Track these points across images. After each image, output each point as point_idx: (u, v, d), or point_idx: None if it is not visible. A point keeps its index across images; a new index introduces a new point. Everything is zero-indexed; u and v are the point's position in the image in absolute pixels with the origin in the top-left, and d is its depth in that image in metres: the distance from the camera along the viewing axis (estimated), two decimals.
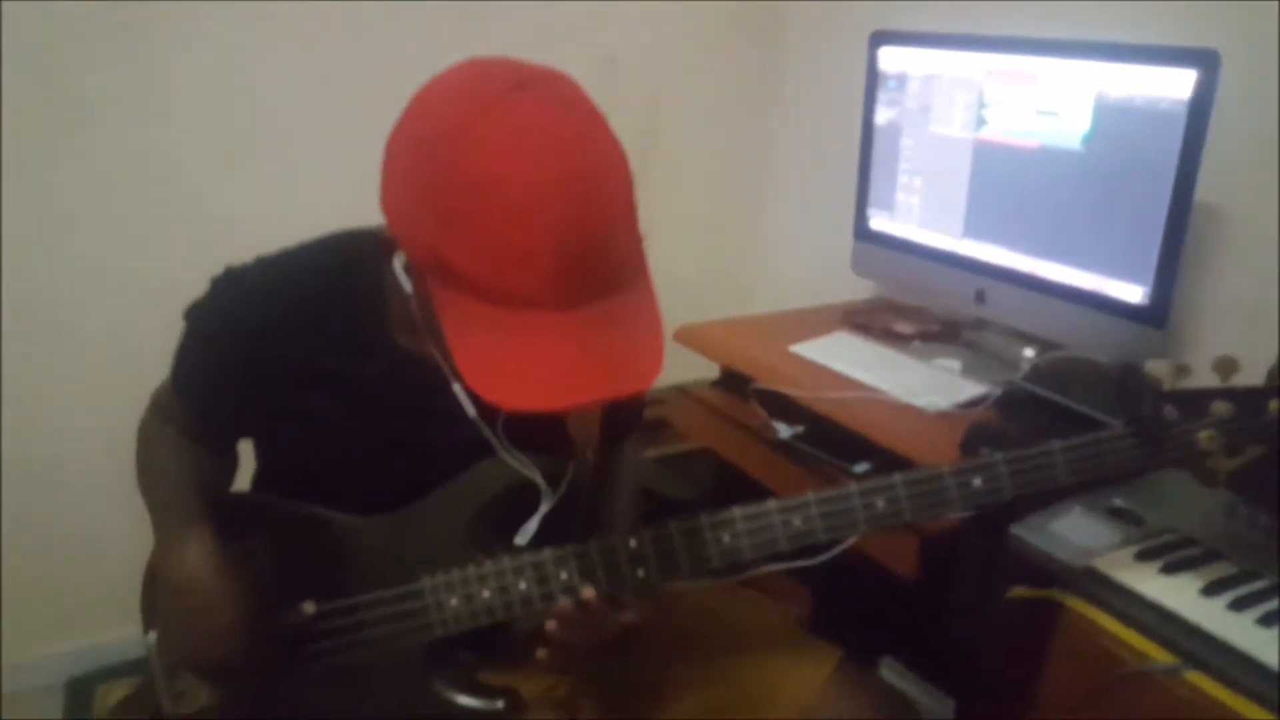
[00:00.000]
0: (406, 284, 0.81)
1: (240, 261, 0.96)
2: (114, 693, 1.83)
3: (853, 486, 0.89)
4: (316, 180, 1.77)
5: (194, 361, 0.98)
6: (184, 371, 0.99)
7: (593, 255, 0.74)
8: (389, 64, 1.77)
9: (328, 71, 1.76)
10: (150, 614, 1.04)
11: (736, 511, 0.90)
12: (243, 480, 1.08)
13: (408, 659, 0.95)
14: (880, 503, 0.89)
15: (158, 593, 0.99)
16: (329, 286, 0.93)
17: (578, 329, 0.74)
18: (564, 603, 0.89)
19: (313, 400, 0.93)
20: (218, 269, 0.96)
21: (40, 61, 1.55)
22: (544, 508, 0.94)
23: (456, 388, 0.88)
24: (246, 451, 1.05)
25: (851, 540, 1.22)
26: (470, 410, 0.89)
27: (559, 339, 0.73)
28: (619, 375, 0.74)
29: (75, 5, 1.55)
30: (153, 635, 1.01)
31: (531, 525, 0.94)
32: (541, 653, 0.92)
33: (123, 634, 1.84)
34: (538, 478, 0.93)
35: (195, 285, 0.96)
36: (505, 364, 0.72)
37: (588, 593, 0.88)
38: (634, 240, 0.78)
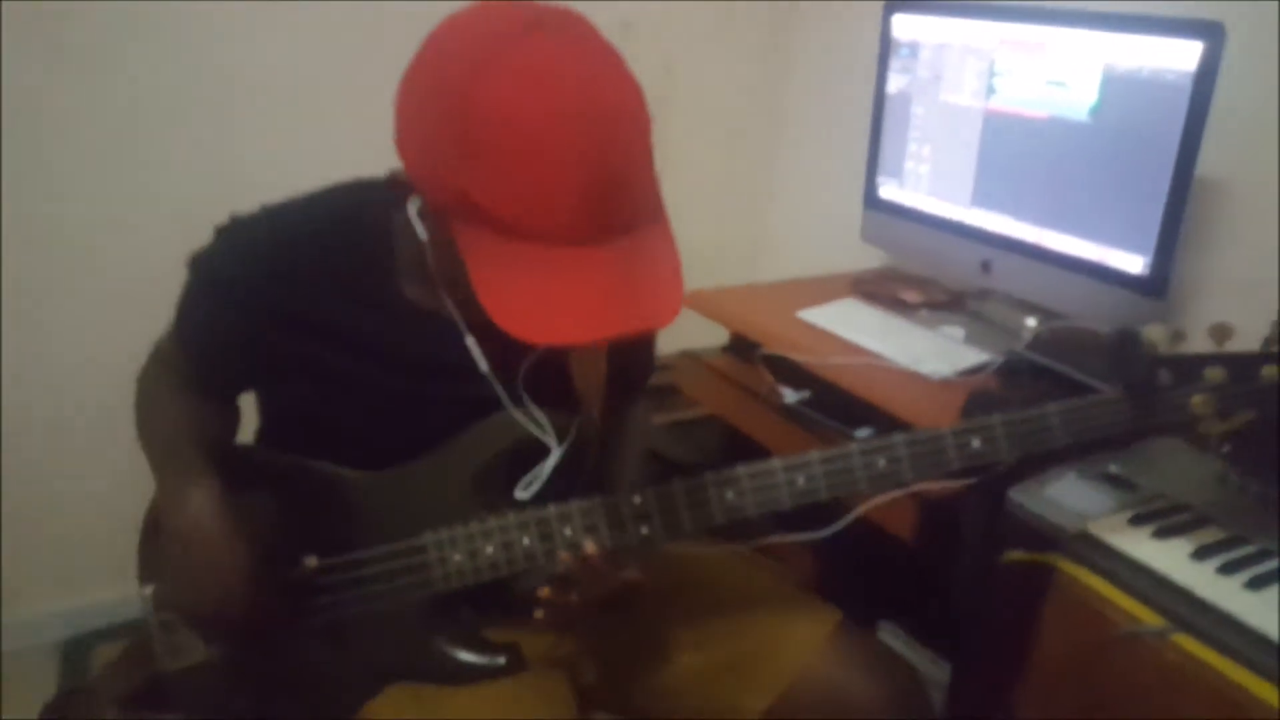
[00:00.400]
0: (421, 230, 0.81)
1: (245, 210, 0.94)
2: (112, 654, 1.84)
3: (854, 446, 0.91)
4: (312, 159, 1.77)
5: (198, 310, 0.96)
6: (187, 321, 0.98)
7: (614, 189, 0.74)
8: (384, 44, 1.78)
9: (323, 46, 1.76)
10: (147, 566, 1.03)
11: (741, 469, 0.91)
12: (245, 434, 1.07)
13: (409, 614, 0.95)
14: (881, 461, 0.91)
15: (161, 542, 0.98)
16: (336, 236, 0.91)
17: (602, 263, 0.74)
18: (565, 555, 0.89)
19: (318, 351, 0.92)
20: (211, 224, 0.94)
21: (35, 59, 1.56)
22: (551, 460, 0.93)
23: (470, 341, 0.88)
24: (248, 406, 1.04)
25: (858, 512, 1.24)
26: (483, 365, 0.89)
27: (584, 273, 0.74)
28: (643, 310, 0.75)
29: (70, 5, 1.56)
30: (149, 588, 1.00)
31: (536, 478, 0.93)
32: (539, 613, 0.92)
33: (120, 594, 1.83)
34: (549, 432, 0.93)
35: (196, 238, 0.94)
36: (531, 299, 0.73)
37: (590, 547, 0.89)
38: (652, 178, 0.79)
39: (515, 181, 0.72)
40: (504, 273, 0.74)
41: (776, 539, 1.25)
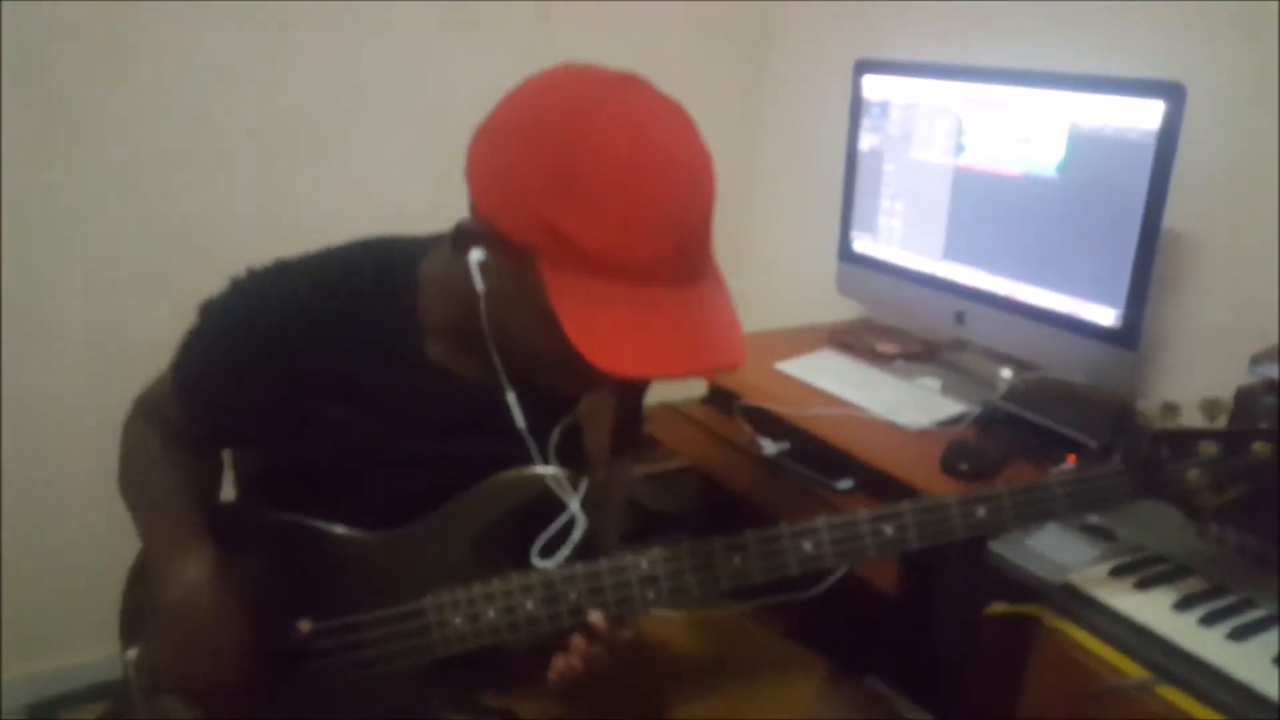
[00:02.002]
0: (479, 281, 0.81)
1: (261, 263, 0.94)
2: (82, 717, 1.78)
3: (862, 512, 0.91)
4: (311, 182, 1.80)
5: (202, 361, 0.94)
6: (191, 370, 0.95)
7: (702, 234, 0.79)
8: (393, 64, 1.82)
9: (328, 73, 1.79)
10: (130, 628, 1.00)
11: (750, 535, 0.90)
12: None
13: (405, 678, 0.93)
14: (889, 529, 0.91)
15: (147, 607, 0.95)
16: (356, 293, 0.90)
17: (685, 303, 0.78)
18: (579, 640, 0.89)
19: (332, 409, 0.90)
20: (210, 273, 0.93)
21: (32, 66, 1.56)
22: (578, 533, 0.92)
23: (511, 397, 0.88)
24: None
25: (842, 571, 1.24)
26: (520, 421, 0.89)
27: (670, 311, 0.76)
28: (724, 347, 0.78)
29: (68, 7, 1.56)
30: (132, 652, 0.96)
31: (562, 544, 0.92)
32: (553, 673, 0.91)
33: (89, 658, 1.80)
34: (574, 498, 0.92)
35: (189, 286, 0.94)
36: (620, 334, 0.74)
37: (595, 617, 0.88)
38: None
39: (616, 218, 0.74)
40: (591, 309, 0.75)
41: (766, 601, 1.23)
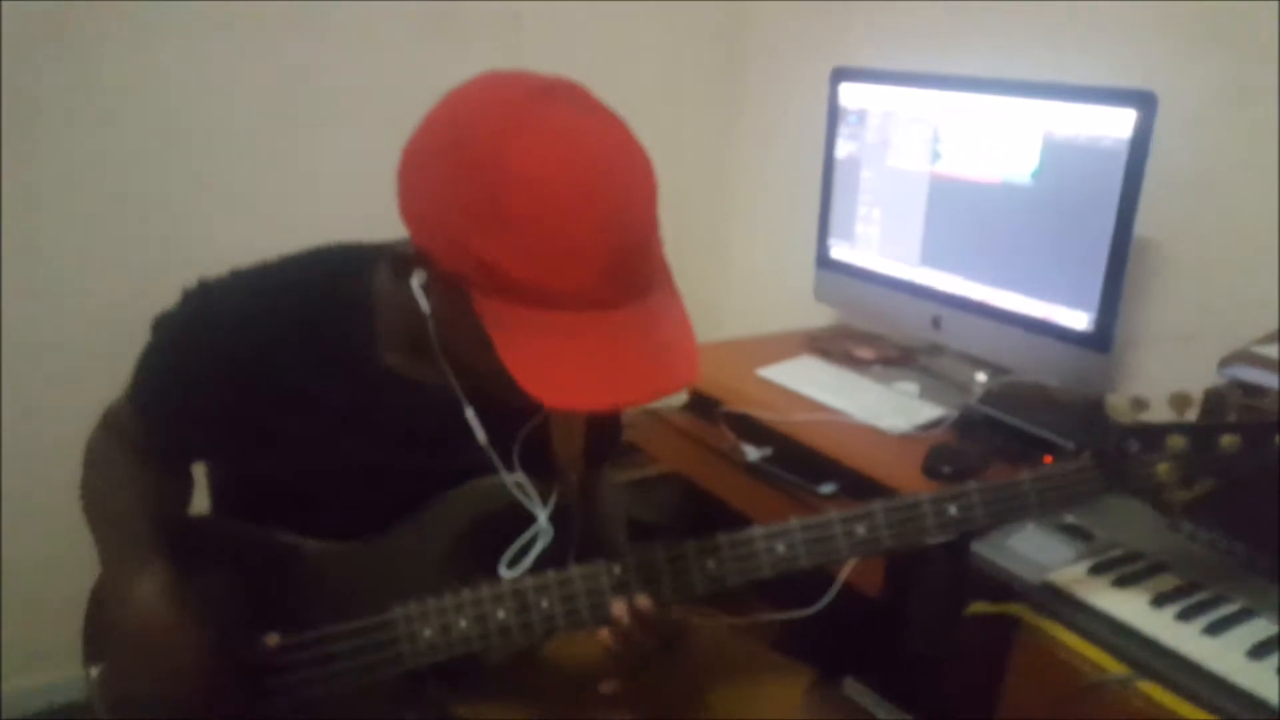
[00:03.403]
0: (425, 304, 0.79)
1: (215, 274, 0.91)
2: None
3: (834, 514, 0.91)
4: (285, 187, 1.79)
5: (158, 376, 0.92)
6: (146, 386, 0.93)
7: (637, 252, 0.75)
8: (362, 70, 1.81)
9: (299, 76, 1.78)
10: (93, 645, 0.98)
11: (722, 538, 0.90)
12: (196, 503, 1.03)
13: (376, 692, 0.91)
14: (861, 529, 0.91)
15: (107, 633, 0.93)
16: (312, 303, 0.88)
17: (626, 326, 0.75)
18: (619, 606, 0.87)
19: (289, 420, 0.88)
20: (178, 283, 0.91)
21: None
22: (541, 535, 0.91)
23: (469, 413, 0.86)
24: (199, 474, 1.00)
25: (841, 580, 1.25)
26: (481, 436, 0.87)
27: (611, 337, 0.74)
28: (670, 370, 0.76)
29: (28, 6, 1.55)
30: (94, 670, 0.94)
31: (524, 553, 0.91)
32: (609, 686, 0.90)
33: (44, 679, 1.78)
34: (540, 508, 0.91)
35: (161, 297, 0.92)
36: (561, 365, 0.72)
37: (618, 609, 0.87)
38: (660, 240, 0.79)
39: (543, 248, 0.71)
40: (530, 340, 0.73)
41: (765, 617, 1.24)
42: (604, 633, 0.89)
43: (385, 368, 0.90)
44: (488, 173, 0.71)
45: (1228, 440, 0.93)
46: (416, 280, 0.79)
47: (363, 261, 0.90)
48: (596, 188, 0.72)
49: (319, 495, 0.92)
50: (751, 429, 1.53)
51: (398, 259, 0.80)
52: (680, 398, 1.74)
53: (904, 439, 1.43)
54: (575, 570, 0.89)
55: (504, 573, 0.90)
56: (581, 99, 0.76)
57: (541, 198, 0.71)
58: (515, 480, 0.91)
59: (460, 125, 0.74)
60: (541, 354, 0.73)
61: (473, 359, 0.79)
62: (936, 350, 1.72)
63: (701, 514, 0.93)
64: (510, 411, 0.87)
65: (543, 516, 0.91)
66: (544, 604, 0.89)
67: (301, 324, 0.88)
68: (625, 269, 0.74)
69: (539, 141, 0.72)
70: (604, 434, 1.09)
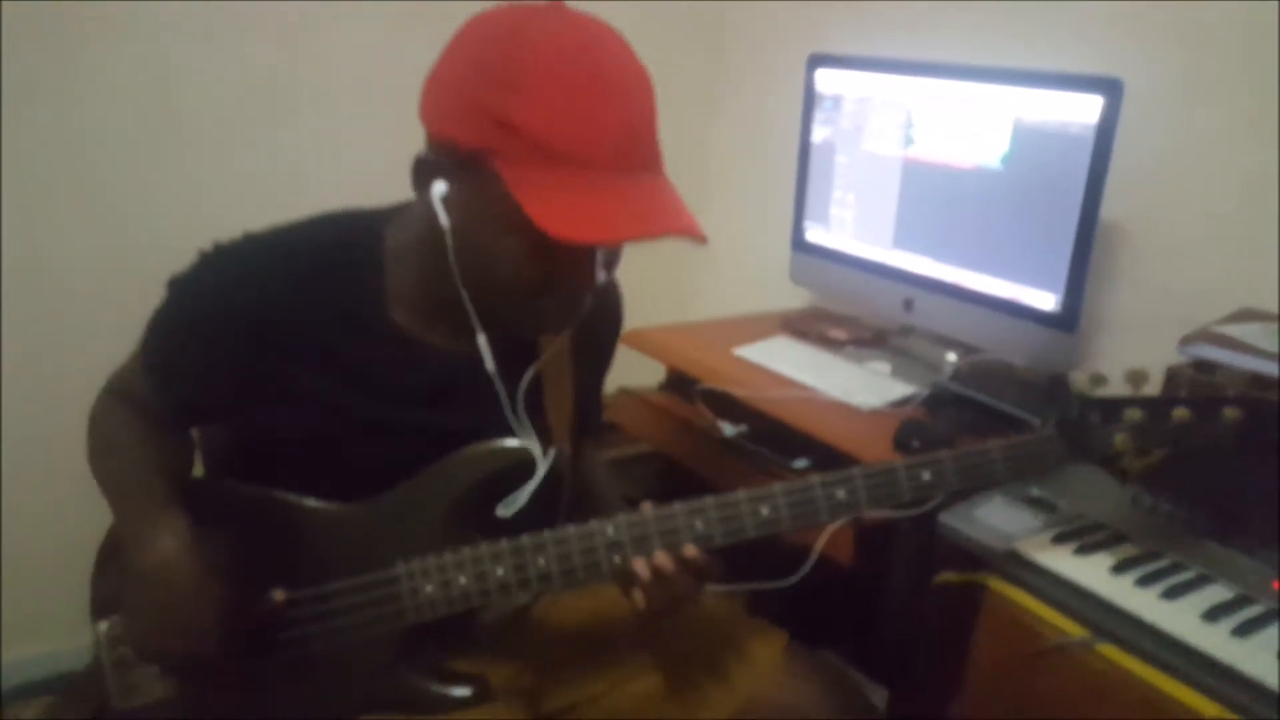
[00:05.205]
0: (444, 217, 0.84)
1: (229, 237, 0.93)
2: (25, 711, 1.75)
3: (815, 478, 0.95)
4: (284, 184, 1.80)
5: (174, 334, 0.94)
6: (160, 345, 0.95)
7: (646, 127, 0.83)
8: (361, 67, 1.82)
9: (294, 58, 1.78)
10: (100, 602, 1.00)
11: (709, 499, 0.93)
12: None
13: (377, 647, 0.95)
14: (840, 493, 0.95)
15: (120, 578, 0.94)
16: (323, 262, 0.91)
17: (638, 186, 0.81)
18: (661, 556, 0.91)
19: (300, 378, 0.91)
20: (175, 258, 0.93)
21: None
22: (537, 476, 0.94)
23: (481, 339, 0.90)
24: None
25: (817, 552, 1.29)
26: (490, 364, 0.91)
27: (629, 192, 0.80)
28: (678, 218, 0.82)
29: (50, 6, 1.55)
30: (104, 625, 0.97)
31: (523, 495, 0.94)
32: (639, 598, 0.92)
33: (27, 652, 1.78)
34: (535, 446, 0.93)
35: (160, 294, 0.94)
36: (578, 210, 0.77)
37: (653, 562, 0.90)
38: (659, 141, 0.86)
39: (561, 102, 0.78)
40: (551, 193, 0.77)
41: (746, 586, 1.27)
42: (636, 592, 0.92)
43: (395, 326, 0.93)
44: (506, 45, 0.79)
45: (1179, 413, 0.98)
46: (437, 190, 0.83)
47: (370, 223, 0.93)
48: (606, 66, 0.80)
49: (327, 454, 0.94)
50: (728, 406, 1.55)
51: (418, 164, 0.85)
52: (658, 376, 1.77)
53: (875, 415, 1.47)
54: (571, 530, 0.92)
55: (500, 513, 0.94)
56: (586, 13, 0.84)
57: (561, 58, 0.78)
58: (520, 442, 0.93)
59: (479, 24, 0.83)
60: (561, 202, 0.77)
61: (490, 263, 0.83)
62: (909, 331, 1.75)
63: (681, 490, 0.95)
64: (516, 351, 0.93)
65: (540, 458, 0.94)
66: (540, 561, 0.92)
67: (313, 282, 0.91)
68: (637, 135, 0.82)
69: (553, 27, 0.80)
70: (586, 406, 1.12)
